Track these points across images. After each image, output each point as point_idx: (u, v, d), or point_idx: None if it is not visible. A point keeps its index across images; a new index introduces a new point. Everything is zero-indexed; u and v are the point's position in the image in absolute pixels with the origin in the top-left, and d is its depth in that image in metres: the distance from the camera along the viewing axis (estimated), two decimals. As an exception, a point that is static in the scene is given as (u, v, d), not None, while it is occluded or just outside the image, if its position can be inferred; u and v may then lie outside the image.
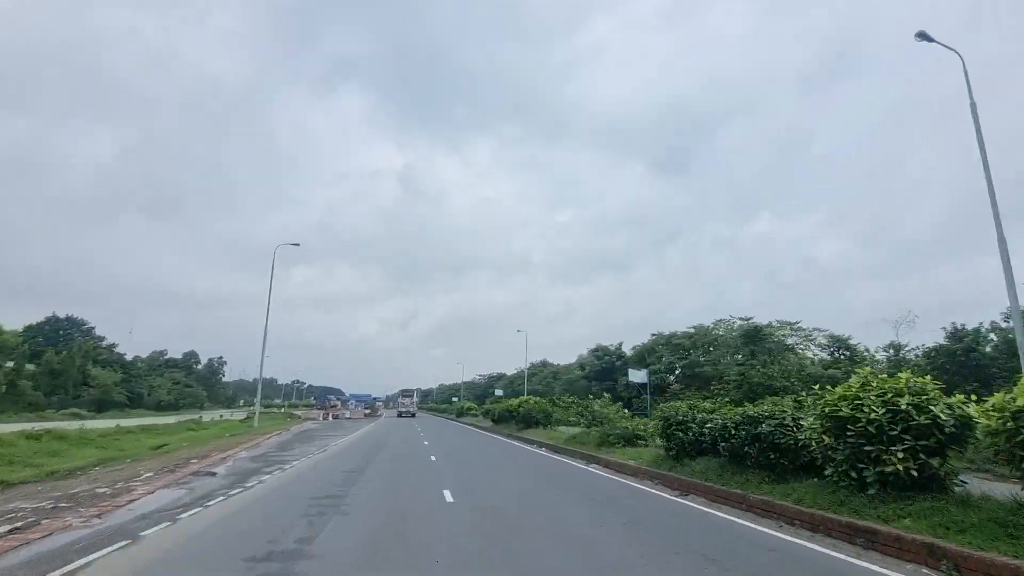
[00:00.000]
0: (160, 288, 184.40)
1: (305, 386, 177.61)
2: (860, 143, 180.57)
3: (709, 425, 10.66)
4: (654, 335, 54.47)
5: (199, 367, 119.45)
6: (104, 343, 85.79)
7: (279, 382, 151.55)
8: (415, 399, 74.58)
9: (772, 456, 8.62)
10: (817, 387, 8.26)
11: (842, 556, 5.92)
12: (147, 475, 12.89)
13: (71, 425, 24.16)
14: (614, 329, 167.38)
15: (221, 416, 53.83)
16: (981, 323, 32.98)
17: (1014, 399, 5.50)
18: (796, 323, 43.88)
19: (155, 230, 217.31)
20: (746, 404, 11.96)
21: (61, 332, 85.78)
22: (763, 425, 8.77)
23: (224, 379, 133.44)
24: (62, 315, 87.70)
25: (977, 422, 6.11)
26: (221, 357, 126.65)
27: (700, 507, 9.03)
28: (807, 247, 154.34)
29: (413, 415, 69.51)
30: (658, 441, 13.79)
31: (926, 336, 72.46)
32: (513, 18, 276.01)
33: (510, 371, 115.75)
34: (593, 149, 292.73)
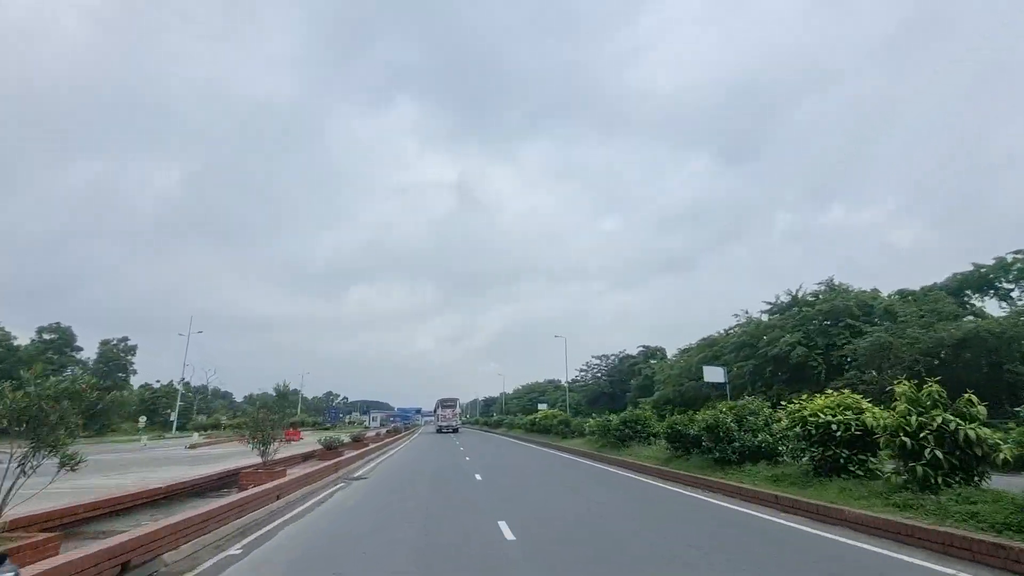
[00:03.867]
0: (223, 312, 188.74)
1: (338, 399, 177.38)
2: (946, 114, 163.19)
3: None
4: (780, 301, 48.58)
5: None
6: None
7: (306, 395, 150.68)
8: (457, 410, 65.28)
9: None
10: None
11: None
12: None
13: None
14: (676, 330, 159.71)
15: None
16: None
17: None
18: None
19: (219, 255, 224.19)
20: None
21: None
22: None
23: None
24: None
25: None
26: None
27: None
28: (884, 232, 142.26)
29: (455, 430, 62.39)
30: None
31: None
32: (563, 15, 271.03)
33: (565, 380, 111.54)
34: (651, 142, 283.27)
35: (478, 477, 16.53)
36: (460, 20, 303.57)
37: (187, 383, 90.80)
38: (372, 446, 29.84)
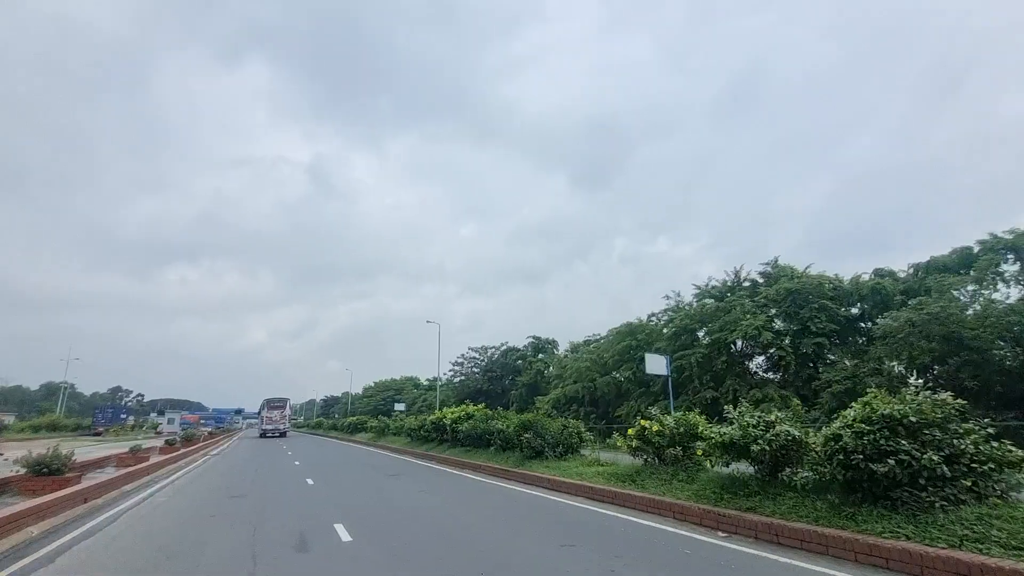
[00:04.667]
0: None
1: (130, 396, 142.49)
2: (747, 173, 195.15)
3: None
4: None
5: None
6: None
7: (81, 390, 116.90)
8: (287, 412, 55.50)
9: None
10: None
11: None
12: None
13: None
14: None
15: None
16: None
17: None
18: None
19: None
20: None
21: None
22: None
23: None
24: None
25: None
26: None
27: None
28: (694, 265, 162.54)
29: (283, 434, 53.10)
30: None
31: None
32: (447, 12, 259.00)
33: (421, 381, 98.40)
34: (516, 157, 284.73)
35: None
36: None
37: None
38: (154, 461, 15.06)
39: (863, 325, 29.05)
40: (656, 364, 28.52)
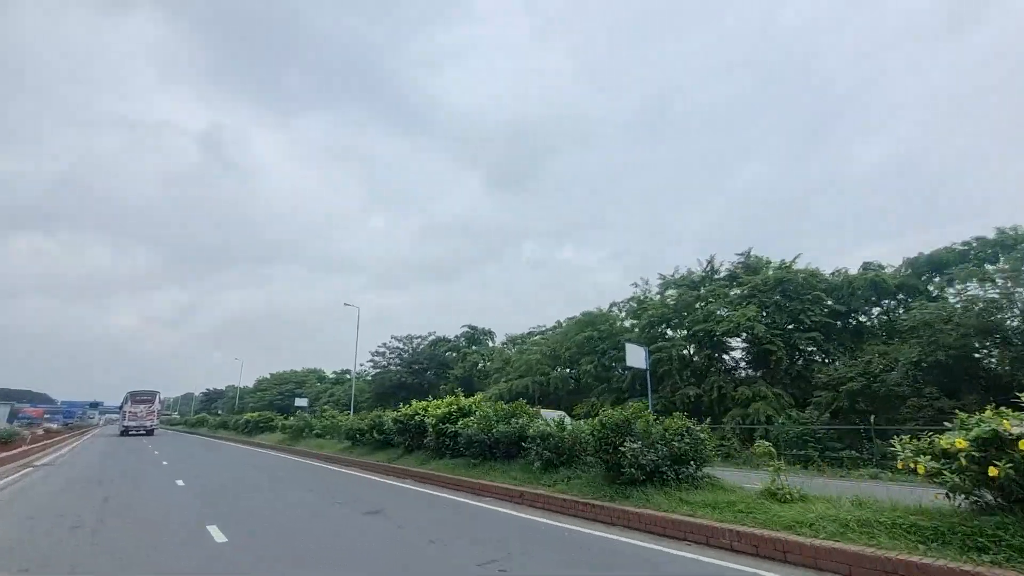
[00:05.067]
0: None
1: None
2: (648, 193, 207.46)
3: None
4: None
5: None
6: None
7: None
8: (156, 407, 49.06)
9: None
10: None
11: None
12: None
13: None
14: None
15: None
16: None
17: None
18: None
19: None
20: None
21: None
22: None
23: None
24: None
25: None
26: None
27: None
28: (597, 274, 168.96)
29: (150, 432, 47.53)
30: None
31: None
32: None
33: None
34: (435, 151, 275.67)
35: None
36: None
37: None
38: None
39: (855, 321, 27.19)
40: (636, 356, 24.48)
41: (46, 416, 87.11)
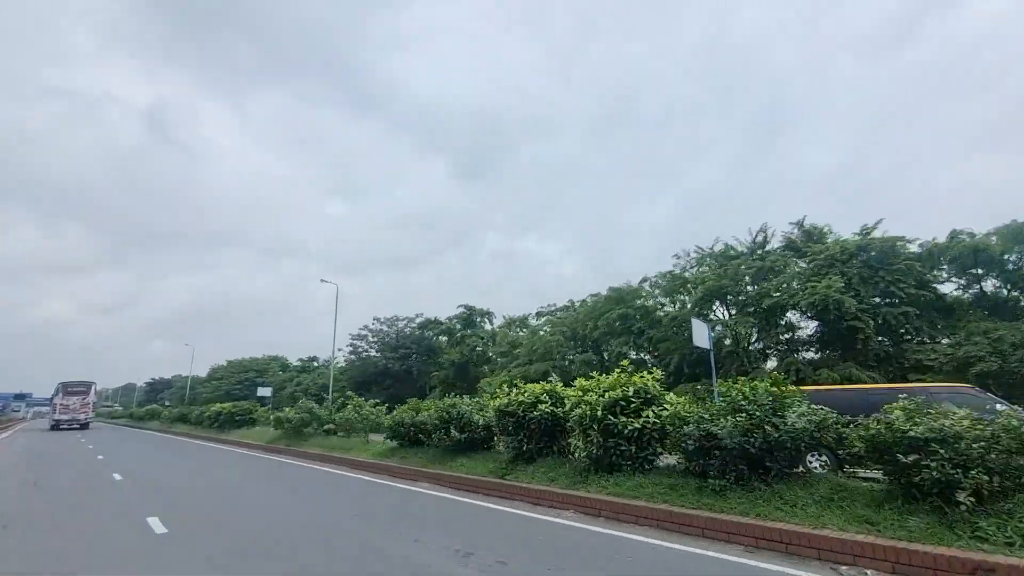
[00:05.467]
0: None
1: None
2: (606, 186, 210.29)
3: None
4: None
5: None
6: None
7: None
8: (91, 398, 45.94)
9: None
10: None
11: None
12: None
13: None
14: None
15: None
16: None
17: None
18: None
19: None
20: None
21: None
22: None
23: None
24: None
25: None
26: None
27: None
28: (558, 265, 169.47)
29: (84, 426, 44.64)
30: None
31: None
32: None
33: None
34: (396, 137, 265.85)
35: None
36: None
37: None
38: None
39: (943, 295, 23.94)
40: (701, 334, 20.44)
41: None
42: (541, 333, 35.44)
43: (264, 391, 49.33)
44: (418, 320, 49.87)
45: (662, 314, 28.31)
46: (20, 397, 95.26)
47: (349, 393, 27.03)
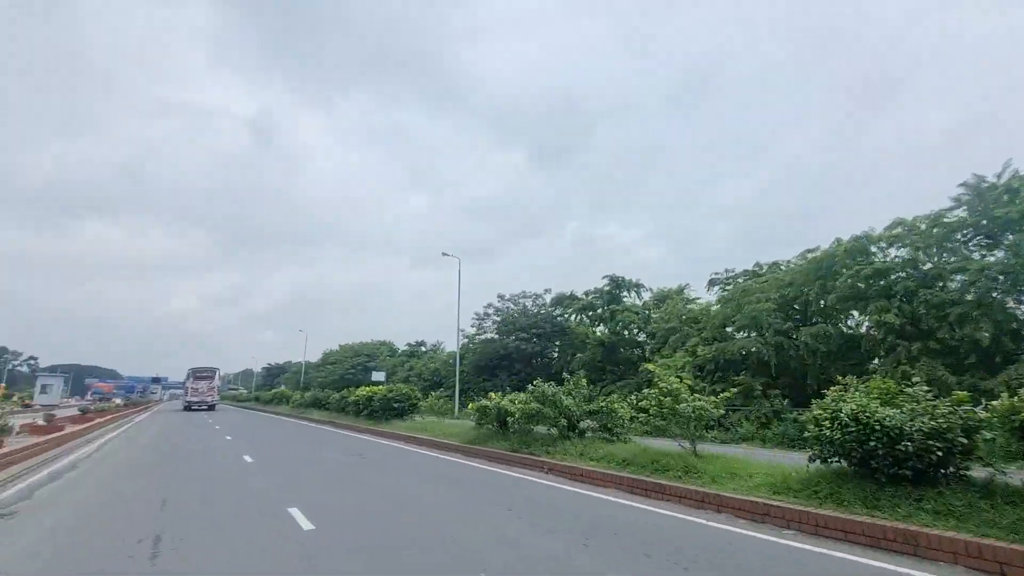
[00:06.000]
0: None
1: (19, 359, 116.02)
2: (687, 167, 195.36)
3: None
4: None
5: None
6: None
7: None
8: (216, 383, 51.47)
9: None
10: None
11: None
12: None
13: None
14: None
15: None
16: None
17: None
18: None
19: None
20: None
21: None
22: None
23: None
24: None
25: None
26: None
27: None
28: (639, 250, 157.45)
29: (212, 407, 49.72)
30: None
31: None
32: None
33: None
34: (475, 128, 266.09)
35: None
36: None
37: None
38: None
39: None
40: None
41: (114, 391, 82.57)
42: (717, 307, 27.70)
43: (379, 375, 45.99)
44: (548, 297, 43.75)
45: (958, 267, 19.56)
46: (156, 380, 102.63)
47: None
